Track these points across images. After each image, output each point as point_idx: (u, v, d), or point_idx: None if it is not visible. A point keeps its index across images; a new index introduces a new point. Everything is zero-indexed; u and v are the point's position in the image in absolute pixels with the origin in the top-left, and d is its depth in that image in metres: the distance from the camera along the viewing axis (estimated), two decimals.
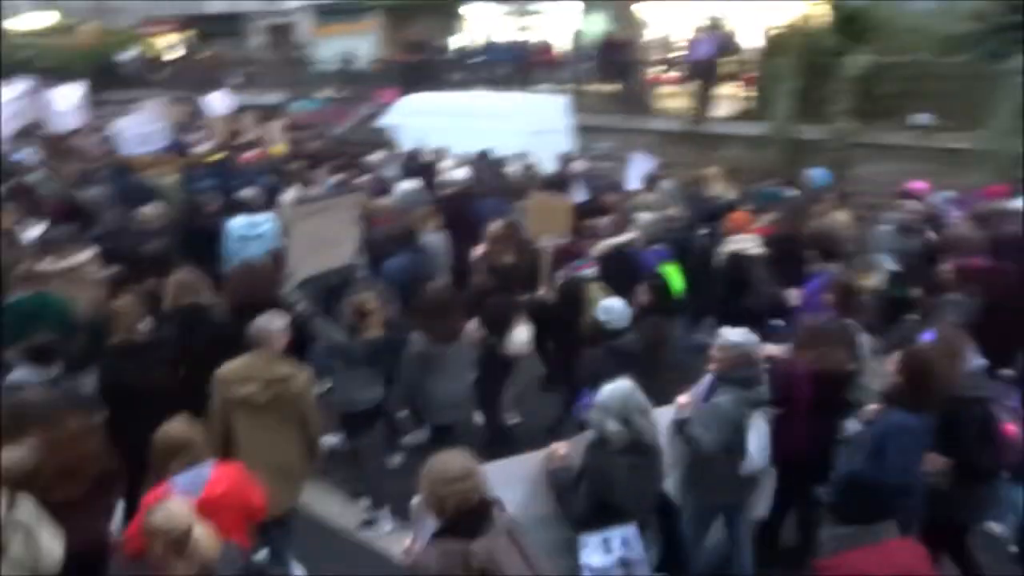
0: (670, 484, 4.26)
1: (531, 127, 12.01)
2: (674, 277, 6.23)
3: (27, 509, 3.29)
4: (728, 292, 6.27)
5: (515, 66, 19.87)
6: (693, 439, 4.06)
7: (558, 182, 9.21)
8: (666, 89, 17.65)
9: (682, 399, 4.28)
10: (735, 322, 6.01)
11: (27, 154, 10.80)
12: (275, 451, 4.26)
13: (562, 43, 21.41)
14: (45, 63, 29.77)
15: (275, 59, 28.94)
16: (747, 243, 6.43)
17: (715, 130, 15.08)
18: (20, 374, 4.16)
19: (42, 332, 4.39)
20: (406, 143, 12.22)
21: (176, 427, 3.50)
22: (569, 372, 5.35)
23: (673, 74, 17.91)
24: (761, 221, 6.98)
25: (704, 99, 15.65)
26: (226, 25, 32.59)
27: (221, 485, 3.45)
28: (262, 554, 3.67)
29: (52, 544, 3.28)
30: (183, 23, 33.62)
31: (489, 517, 2.93)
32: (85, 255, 5.87)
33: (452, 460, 2.98)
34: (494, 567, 2.79)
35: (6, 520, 3.14)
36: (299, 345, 4.69)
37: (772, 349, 4.64)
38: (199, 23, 33.28)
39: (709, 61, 15.65)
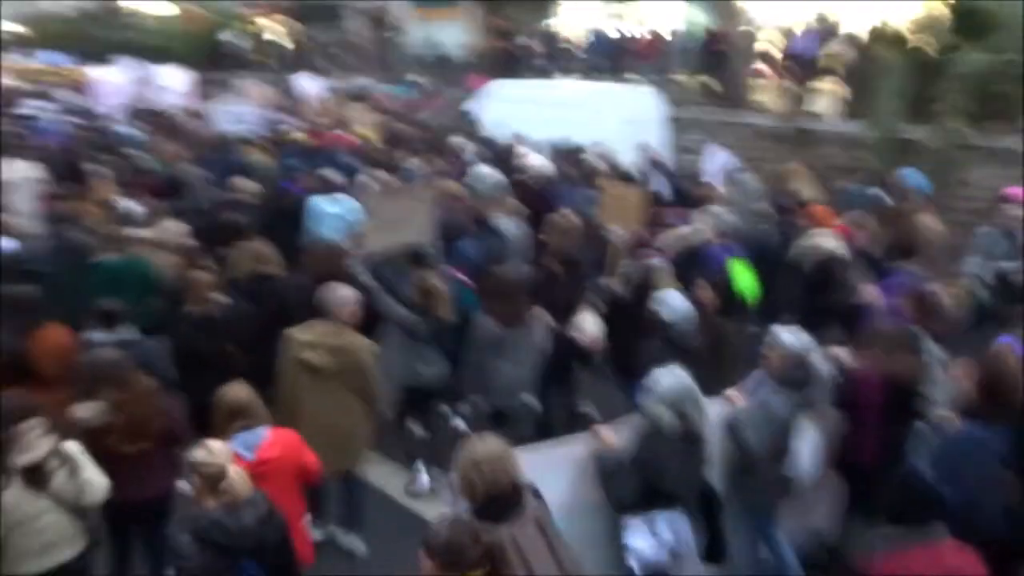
0: (714, 475, 4.27)
1: (622, 117, 11.99)
2: (743, 274, 6.14)
3: (73, 446, 3.60)
4: (809, 290, 6.14)
5: (609, 56, 19.77)
6: (739, 436, 4.09)
7: (633, 172, 9.17)
8: (763, 83, 17.21)
9: (731, 392, 4.31)
10: (814, 321, 5.97)
11: (133, 129, 11.54)
12: (336, 415, 4.48)
13: (659, 34, 21.17)
14: (152, 43, 31.86)
15: (369, 43, 29.71)
16: (828, 239, 6.26)
17: (812, 127, 14.60)
18: (96, 335, 4.51)
19: (113, 296, 4.76)
20: (492, 129, 12.41)
21: (236, 390, 3.75)
22: (633, 362, 5.35)
23: (771, 69, 17.43)
24: (843, 220, 6.76)
25: (802, 95, 15.19)
26: (325, 9, 33.78)
27: (275, 448, 3.69)
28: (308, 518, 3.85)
29: (95, 479, 3.57)
30: (284, 6, 35.08)
31: (520, 504, 3.02)
32: (172, 226, 6.27)
33: (485, 445, 3.09)
34: (514, 552, 2.86)
35: (53, 453, 3.45)
36: (367, 318, 4.89)
37: (840, 353, 4.54)
38: (299, 7, 34.66)
39: (810, 56, 15.16)
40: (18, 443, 3.35)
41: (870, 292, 5.75)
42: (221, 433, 3.62)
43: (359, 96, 15.69)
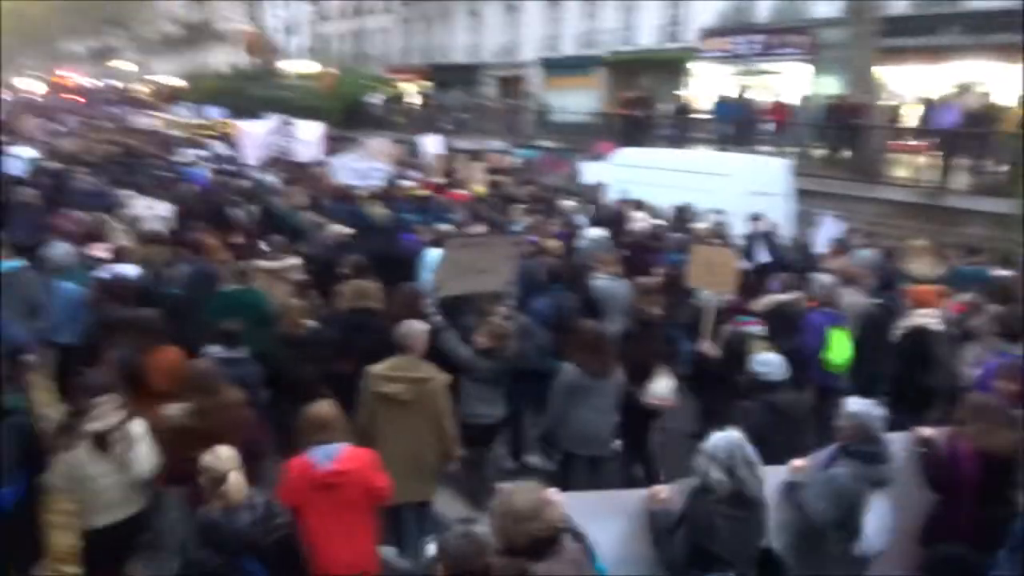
0: (777, 545, 4.15)
1: (748, 188, 11.98)
2: (840, 344, 5.99)
3: (138, 426, 4.09)
4: (904, 367, 5.99)
5: (738, 125, 19.75)
6: (803, 506, 3.97)
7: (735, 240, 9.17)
8: (901, 157, 16.61)
9: (797, 462, 4.19)
10: (912, 399, 5.71)
11: (270, 177, 12.80)
12: (412, 444, 4.77)
13: (790, 104, 20.97)
14: (304, 103, 34.98)
15: (501, 108, 31.17)
16: (929, 318, 6.11)
17: (955, 204, 13.90)
18: (211, 350, 5.07)
19: (233, 319, 5.33)
20: (617, 194, 12.70)
21: (321, 407, 4.07)
22: (721, 426, 5.33)
23: (911, 142, 16.82)
24: (958, 299, 6.45)
25: (946, 170, 14.53)
26: (463, 74, 35.98)
27: (351, 462, 3.96)
28: (389, 549, 4.03)
29: (147, 456, 4.02)
30: (425, 71, 37.67)
31: (556, 545, 3.03)
32: (289, 261, 6.96)
33: (524, 496, 3.02)
34: None
35: (118, 426, 3.95)
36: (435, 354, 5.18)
37: (927, 431, 4.36)
38: (440, 72, 37.12)
39: (953, 129, 14.55)
40: (92, 413, 3.94)
41: (970, 373, 5.45)
42: (303, 444, 3.94)
43: (476, 156, 16.49)
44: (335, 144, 17.92)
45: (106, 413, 4.00)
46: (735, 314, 6.20)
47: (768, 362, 4.90)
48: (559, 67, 31.96)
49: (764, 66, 24.77)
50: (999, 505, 4.03)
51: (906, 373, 5.86)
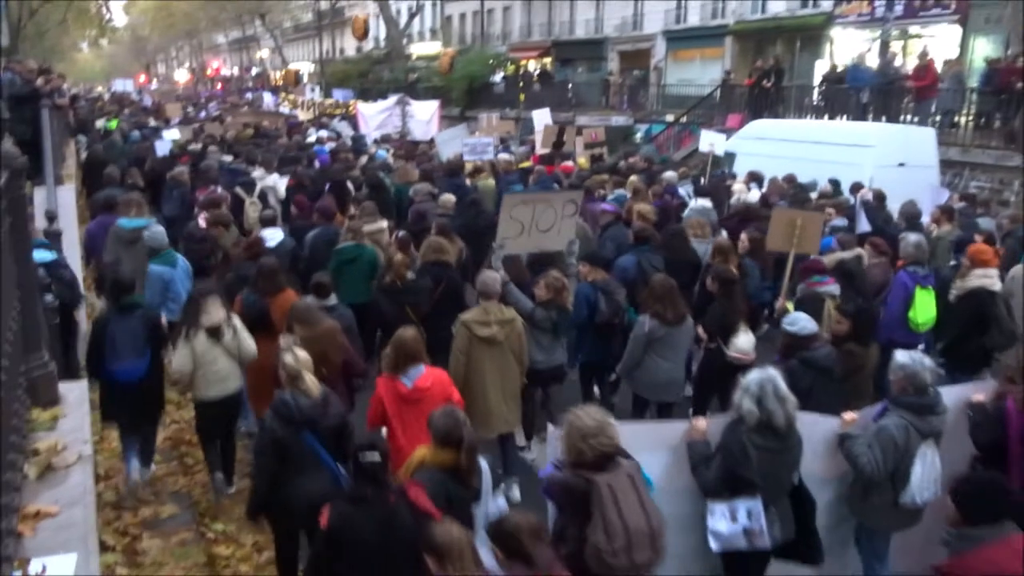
0: (830, 493, 4.45)
1: (890, 160, 11.79)
2: (924, 303, 6.15)
3: (238, 320, 5.37)
4: (963, 328, 6.15)
5: (878, 93, 18.91)
6: (854, 457, 4.24)
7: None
8: None
9: (848, 415, 4.43)
10: (967, 359, 5.70)
11: (383, 153, 13.90)
12: (505, 378, 5.56)
13: (936, 69, 19.86)
14: (429, 83, 36.53)
15: (626, 82, 31.25)
16: (987, 278, 6.21)
17: None
18: (306, 299, 5.86)
19: (348, 272, 6.58)
20: (746, 168, 12.76)
21: (408, 333, 4.87)
22: None
23: None
24: None
25: None
26: (586, 50, 36.29)
27: (429, 380, 4.74)
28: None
29: (249, 342, 5.40)
30: (547, 48, 38.23)
31: (615, 460, 3.61)
32: (381, 224, 8.12)
33: (588, 416, 3.60)
34: (609, 496, 3.47)
35: (225, 320, 5.33)
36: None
37: (977, 395, 4.49)
38: (562, 48, 37.59)
39: None
40: (205, 311, 5.27)
41: None
42: (395, 368, 4.73)
43: (579, 131, 16.99)
44: (450, 122, 18.91)
45: (215, 312, 5.31)
46: (811, 274, 6.44)
47: (795, 320, 5.16)
48: (684, 39, 31.61)
49: (909, 28, 23.53)
50: None
51: (963, 333, 5.94)
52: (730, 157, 14.45)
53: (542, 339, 6.01)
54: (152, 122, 20.22)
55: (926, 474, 4.20)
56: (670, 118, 25.99)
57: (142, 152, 13.61)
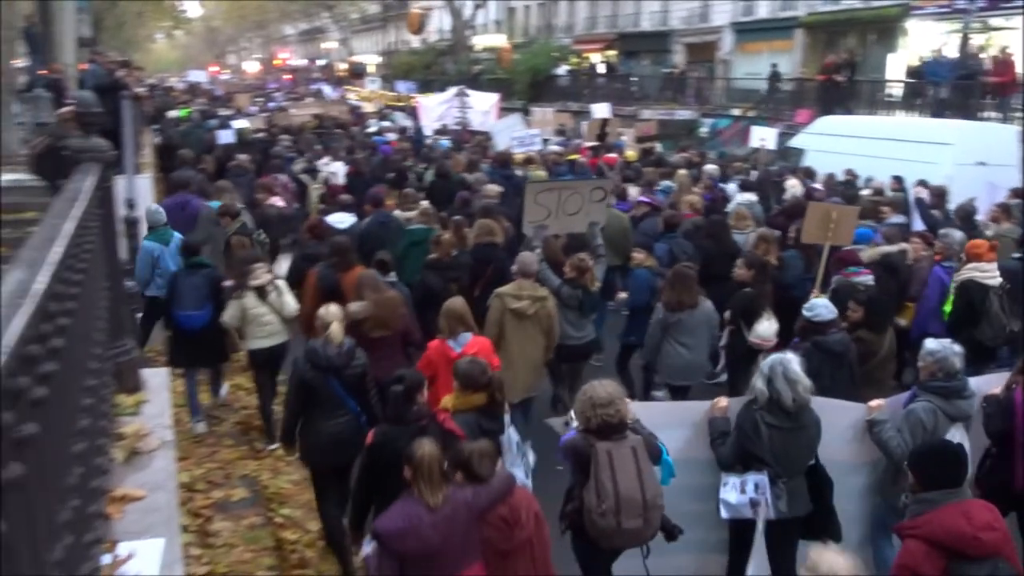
0: (862, 479, 4.76)
1: (969, 158, 11.48)
2: None
3: (281, 282, 6.41)
4: (957, 320, 6.42)
5: (960, 89, 18.48)
6: (883, 442, 4.48)
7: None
8: None
9: (874, 402, 4.65)
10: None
11: (444, 143, 14.60)
12: (531, 348, 6.14)
13: (1017, 65, 19.34)
14: (493, 75, 37.14)
15: (692, 76, 31.20)
16: (979, 272, 6.48)
17: None
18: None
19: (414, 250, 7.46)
20: (817, 165, 12.78)
21: (457, 302, 5.57)
22: None
23: None
24: None
25: None
26: (651, 42, 36.29)
27: (474, 346, 5.30)
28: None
29: (291, 301, 6.38)
30: (611, 41, 38.41)
31: (621, 432, 3.99)
32: (422, 205, 8.83)
33: (602, 388, 4.02)
34: (606, 462, 3.88)
35: (270, 282, 6.34)
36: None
37: (994, 387, 4.69)
38: (626, 41, 37.71)
39: None
40: (252, 273, 6.34)
41: None
42: (447, 333, 5.37)
43: (628, 123, 17.35)
44: (508, 114, 19.48)
45: (261, 274, 6.44)
46: (846, 265, 6.72)
47: (814, 306, 5.46)
48: (752, 31, 31.44)
49: (991, 21, 22.94)
50: None
51: (953, 325, 6.18)
52: (798, 153, 14.47)
53: (570, 316, 6.53)
54: (222, 111, 21.34)
55: None
56: (736, 112, 25.89)
57: (211, 139, 14.53)
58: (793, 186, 11.31)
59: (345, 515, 4.78)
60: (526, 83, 34.60)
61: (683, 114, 28.27)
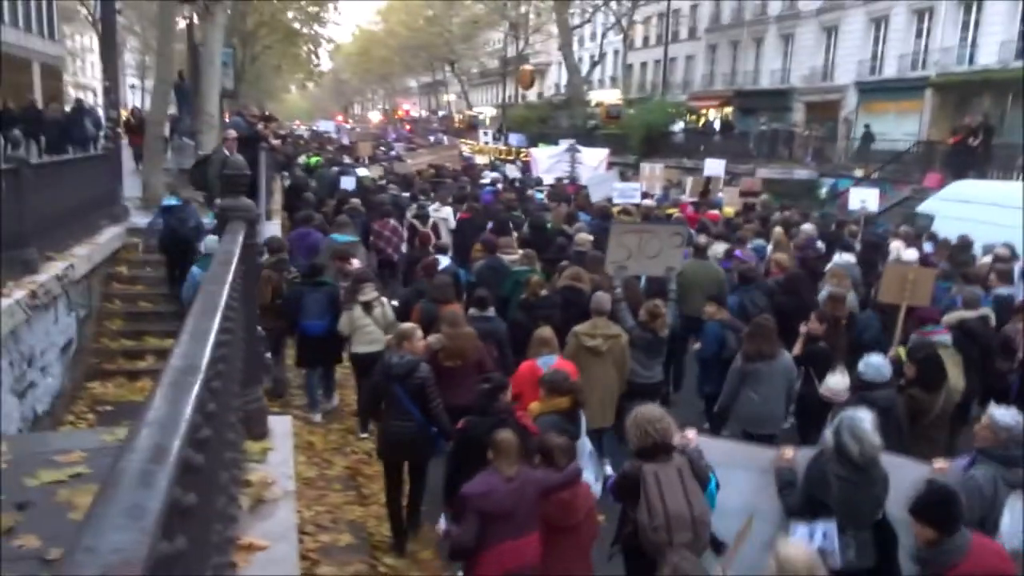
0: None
1: None
2: None
3: (386, 301, 7.89)
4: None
5: None
6: None
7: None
8: None
9: (939, 463, 4.87)
10: None
11: (539, 195, 15.69)
12: (605, 382, 6.81)
13: None
14: (608, 130, 38.17)
15: (812, 134, 31.06)
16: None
17: None
18: (472, 311, 7.48)
19: (514, 290, 8.49)
20: (946, 231, 12.48)
21: (546, 331, 6.54)
22: None
23: None
24: None
25: None
26: (770, 100, 36.35)
27: (560, 366, 6.04)
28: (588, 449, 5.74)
29: (392, 316, 7.68)
30: (729, 97, 38.75)
31: (667, 454, 4.40)
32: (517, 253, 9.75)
33: (650, 409, 4.54)
34: (654, 484, 4.32)
35: (376, 299, 7.75)
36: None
37: None
38: (744, 98, 37.95)
39: None
40: (361, 291, 7.72)
41: None
42: (536, 354, 6.25)
43: (731, 181, 17.70)
44: (624, 169, 20.28)
45: (369, 291, 7.84)
46: (924, 323, 6.97)
47: (869, 364, 5.69)
48: (878, 90, 31.06)
49: None
50: None
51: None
52: (927, 219, 14.21)
53: (639, 356, 7.12)
54: (347, 159, 23.23)
55: (1015, 523, 4.47)
56: (859, 173, 25.59)
57: (333, 184, 16.15)
58: (898, 247, 11.34)
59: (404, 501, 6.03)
60: (640, 138, 35.35)
61: (801, 173, 28.21)
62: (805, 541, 4.41)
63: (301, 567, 4.98)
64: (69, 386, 8.21)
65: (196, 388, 1.56)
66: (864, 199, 14.22)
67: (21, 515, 2.91)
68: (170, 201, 10.43)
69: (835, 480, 4.46)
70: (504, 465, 4.41)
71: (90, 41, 53.96)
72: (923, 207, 15.32)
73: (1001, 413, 4.70)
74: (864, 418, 4.51)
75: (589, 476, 5.17)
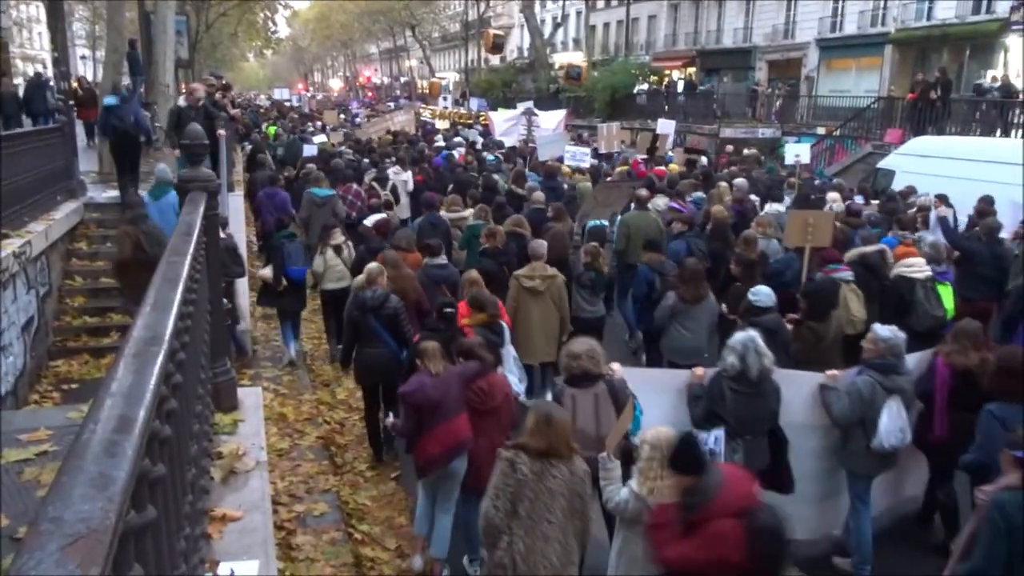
0: (818, 440, 5.55)
1: None
2: (944, 297, 7.56)
3: (351, 246, 9.00)
4: (887, 311, 7.25)
5: None
6: (828, 403, 5.34)
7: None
8: None
9: (831, 372, 5.50)
10: None
11: (490, 159, 16.29)
12: (546, 320, 7.57)
13: None
14: (572, 93, 37.98)
15: (774, 93, 31.22)
16: (908, 267, 7.66)
17: None
18: (427, 259, 8.11)
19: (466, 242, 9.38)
20: (907, 187, 12.76)
21: (473, 273, 7.33)
22: None
23: None
24: None
25: None
26: (732, 59, 36.45)
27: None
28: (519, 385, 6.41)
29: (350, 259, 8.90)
30: (692, 58, 38.70)
31: (589, 381, 4.89)
32: (466, 212, 10.51)
33: (579, 344, 5.08)
34: (569, 404, 4.75)
35: (343, 243, 8.98)
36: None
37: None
38: (707, 58, 37.95)
39: None
40: (331, 236, 8.88)
41: None
42: (467, 295, 6.88)
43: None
44: (575, 130, 20.57)
45: (337, 236, 9.01)
46: (827, 263, 7.67)
47: (757, 293, 6.40)
48: (839, 48, 31.30)
49: None
50: (968, 410, 4.99)
51: (887, 316, 6.81)
52: (888, 175, 14.52)
53: (584, 293, 8.12)
54: (310, 127, 23.04)
55: (892, 423, 5.19)
56: (822, 131, 25.84)
57: (297, 152, 16.49)
58: (834, 199, 11.73)
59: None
60: (605, 101, 35.24)
61: (765, 132, 28.40)
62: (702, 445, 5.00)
63: (277, 537, 5.06)
64: (32, 365, 8.06)
65: (160, 358, 1.52)
66: (798, 153, 15.19)
67: None
68: (110, 100, 11.39)
69: (730, 394, 5.05)
70: (431, 365, 5.33)
71: (36, 11, 52.13)
72: (884, 163, 15.59)
73: (881, 328, 5.41)
74: (758, 337, 5.12)
75: (512, 377, 6.27)
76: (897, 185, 13.60)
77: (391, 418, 5.76)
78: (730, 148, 22.03)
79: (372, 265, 7.08)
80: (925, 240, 8.19)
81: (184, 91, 14.00)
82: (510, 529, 3.94)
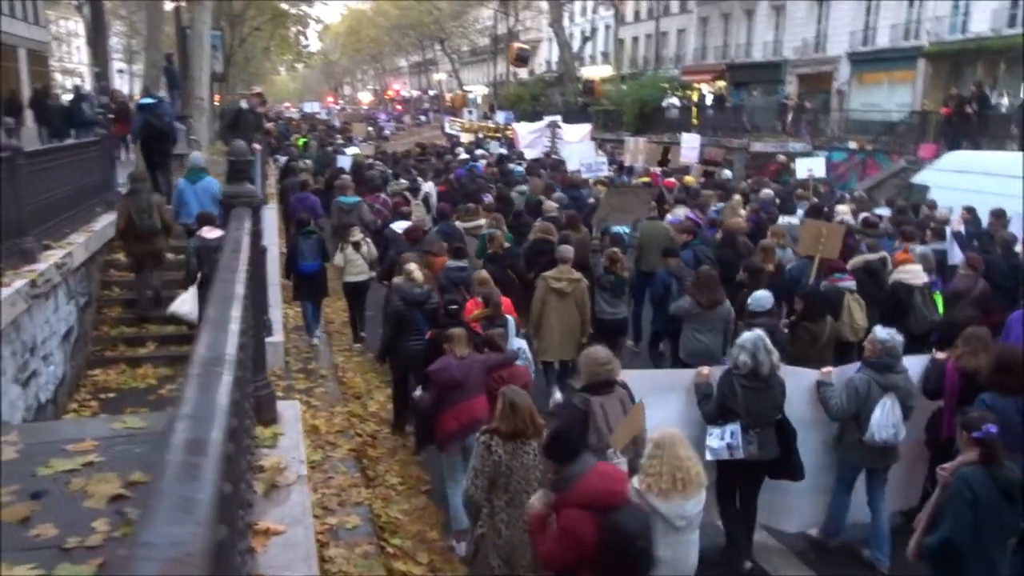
0: (820, 434, 5.84)
1: None
2: (936, 302, 8.02)
3: (370, 243, 10.04)
4: (885, 315, 7.52)
5: None
6: (825, 398, 5.65)
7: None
8: None
9: (827, 368, 5.86)
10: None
11: (517, 171, 16.64)
12: (568, 321, 8.10)
13: None
14: (600, 106, 37.98)
15: (805, 107, 30.92)
16: (905, 274, 8.00)
17: None
18: (451, 261, 8.61)
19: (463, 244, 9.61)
20: (944, 202, 12.49)
21: (482, 274, 7.96)
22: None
23: None
24: None
25: None
26: (762, 73, 36.21)
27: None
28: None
29: (375, 251, 10.09)
30: (722, 71, 38.54)
31: (611, 388, 5.06)
32: (480, 221, 11.06)
33: (602, 352, 5.22)
34: (600, 414, 4.86)
35: (363, 239, 10.00)
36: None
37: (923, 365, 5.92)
38: (737, 71, 37.76)
39: None
40: (351, 234, 9.82)
41: None
42: (477, 294, 7.46)
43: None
44: (615, 145, 20.80)
45: (356, 233, 9.89)
46: (833, 272, 8.06)
47: (756, 297, 6.82)
48: (871, 61, 30.98)
49: None
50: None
51: (885, 319, 7.05)
52: (922, 190, 14.34)
53: (606, 296, 8.53)
54: (339, 139, 23.41)
55: (885, 418, 5.47)
56: (853, 145, 25.58)
57: (327, 163, 17.13)
58: (843, 212, 12.05)
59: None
60: (633, 114, 35.17)
61: (795, 146, 28.13)
62: (717, 440, 5.45)
63: None
64: (71, 374, 8.19)
65: (228, 378, 1.54)
66: (811, 167, 15.51)
67: (37, 504, 2.90)
68: (147, 100, 12.10)
69: (740, 389, 5.37)
70: (457, 348, 5.95)
71: (75, 25, 53.32)
72: (918, 178, 15.45)
73: (880, 330, 5.72)
74: (766, 336, 5.49)
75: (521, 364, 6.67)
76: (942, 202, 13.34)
77: (419, 391, 6.39)
78: (782, 158, 21.66)
79: (409, 266, 7.76)
80: (915, 251, 8.53)
81: (248, 94, 14.53)
82: (491, 503, 4.55)
